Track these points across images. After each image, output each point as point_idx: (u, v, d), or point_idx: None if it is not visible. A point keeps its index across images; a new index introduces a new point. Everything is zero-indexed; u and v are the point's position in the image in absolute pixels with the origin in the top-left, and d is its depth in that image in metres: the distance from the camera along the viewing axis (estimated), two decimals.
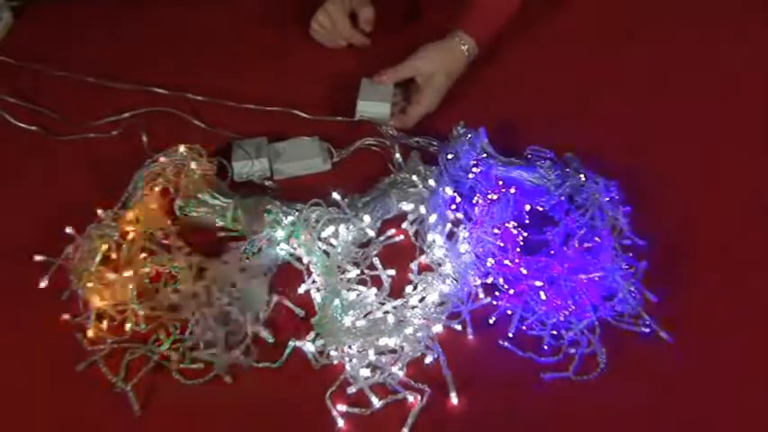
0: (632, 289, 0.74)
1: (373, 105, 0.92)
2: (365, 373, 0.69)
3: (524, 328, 0.73)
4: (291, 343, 0.72)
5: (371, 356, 0.70)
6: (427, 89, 0.91)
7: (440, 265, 0.77)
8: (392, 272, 0.77)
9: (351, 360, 0.70)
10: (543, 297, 0.73)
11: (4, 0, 1.14)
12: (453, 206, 0.82)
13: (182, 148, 0.86)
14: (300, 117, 0.94)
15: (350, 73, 0.98)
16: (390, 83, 0.93)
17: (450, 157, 0.85)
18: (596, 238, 0.77)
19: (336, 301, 0.73)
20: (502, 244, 0.77)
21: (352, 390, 0.69)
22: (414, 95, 0.93)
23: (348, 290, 0.75)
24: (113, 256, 0.77)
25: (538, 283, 0.74)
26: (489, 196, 0.80)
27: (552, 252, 0.78)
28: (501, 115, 0.94)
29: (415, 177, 0.83)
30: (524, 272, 0.75)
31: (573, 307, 0.73)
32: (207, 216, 0.82)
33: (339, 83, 1.00)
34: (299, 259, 0.79)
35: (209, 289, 0.74)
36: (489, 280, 0.76)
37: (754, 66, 1.05)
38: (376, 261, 0.78)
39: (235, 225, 0.81)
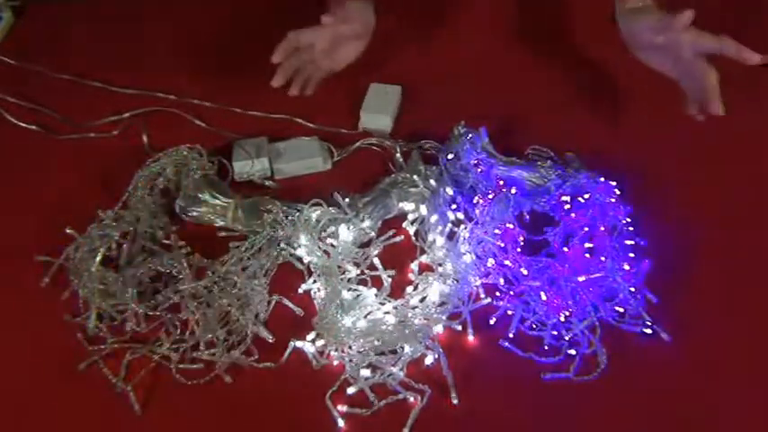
0: (633, 289, 0.74)
1: (375, 118, 0.93)
2: (365, 373, 0.69)
3: (525, 328, 0.73)
4: (291, 343, 0.72)
5: (371, 356, 0.70)
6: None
7: (440, 265, 0.77)
8: (392, 272, 0.77)
9: (351, 360, 0.70)
10: (544, 297, 0.73)
11: (4, 0, 1.14)
12: (454, 206, 0.82)
13: (182, 148, 0.86)
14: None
15: (352, 74, 0.97)
16: (395, 97, 0.94)
17: (450, 156, 0.85)
18: (597, 239, 0.77)
19: (336, 301, 0.73)
20: (502, 244, 0.77)
21: (352, 390, 0.69)
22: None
23: (348, 290, 0.75)
24: (113, 256, 0.77)
25: (538, 284, 0.74)
26: (490, 196, 0.80)
27: (552, 252, 0.78)
28: (501, 115, 0.94)
29: (415, 177, 0.83)
30: (524, 272, 0.75)
31: (573, 307, 0.73)
32: (207, 216, 0.82)
33: (341, 86, 0.99)
34: (300, 259, 0.79)
35: (209, 289, 0.74)
36: (490, 280, 0.76)
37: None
38: (376, 261, 0.78)
39: (235, 225, 0.81)
